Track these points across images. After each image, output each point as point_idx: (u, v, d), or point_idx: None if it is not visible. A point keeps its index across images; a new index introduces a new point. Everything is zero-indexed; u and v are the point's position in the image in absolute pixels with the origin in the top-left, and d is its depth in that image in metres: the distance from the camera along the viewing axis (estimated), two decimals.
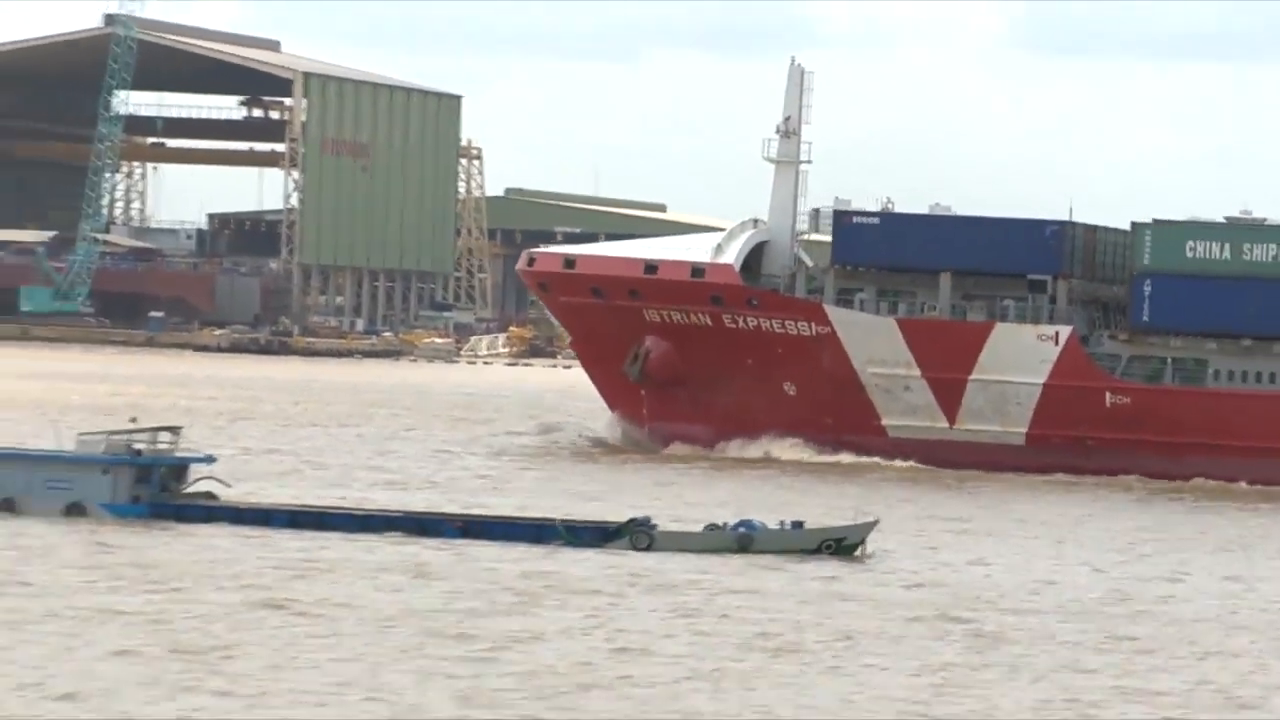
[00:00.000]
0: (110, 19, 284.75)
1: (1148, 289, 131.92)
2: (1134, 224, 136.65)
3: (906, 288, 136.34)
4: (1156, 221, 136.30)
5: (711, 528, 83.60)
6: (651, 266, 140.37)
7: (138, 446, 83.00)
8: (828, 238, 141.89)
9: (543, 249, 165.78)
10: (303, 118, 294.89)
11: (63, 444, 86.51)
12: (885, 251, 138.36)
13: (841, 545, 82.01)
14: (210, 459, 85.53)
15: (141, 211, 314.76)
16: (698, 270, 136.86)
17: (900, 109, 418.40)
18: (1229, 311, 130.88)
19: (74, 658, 53.15)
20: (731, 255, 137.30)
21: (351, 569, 72.40)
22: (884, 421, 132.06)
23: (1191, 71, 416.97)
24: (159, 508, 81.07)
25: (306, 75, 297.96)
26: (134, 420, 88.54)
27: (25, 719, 47.31)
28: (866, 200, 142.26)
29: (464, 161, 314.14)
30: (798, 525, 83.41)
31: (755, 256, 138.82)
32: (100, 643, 55.40)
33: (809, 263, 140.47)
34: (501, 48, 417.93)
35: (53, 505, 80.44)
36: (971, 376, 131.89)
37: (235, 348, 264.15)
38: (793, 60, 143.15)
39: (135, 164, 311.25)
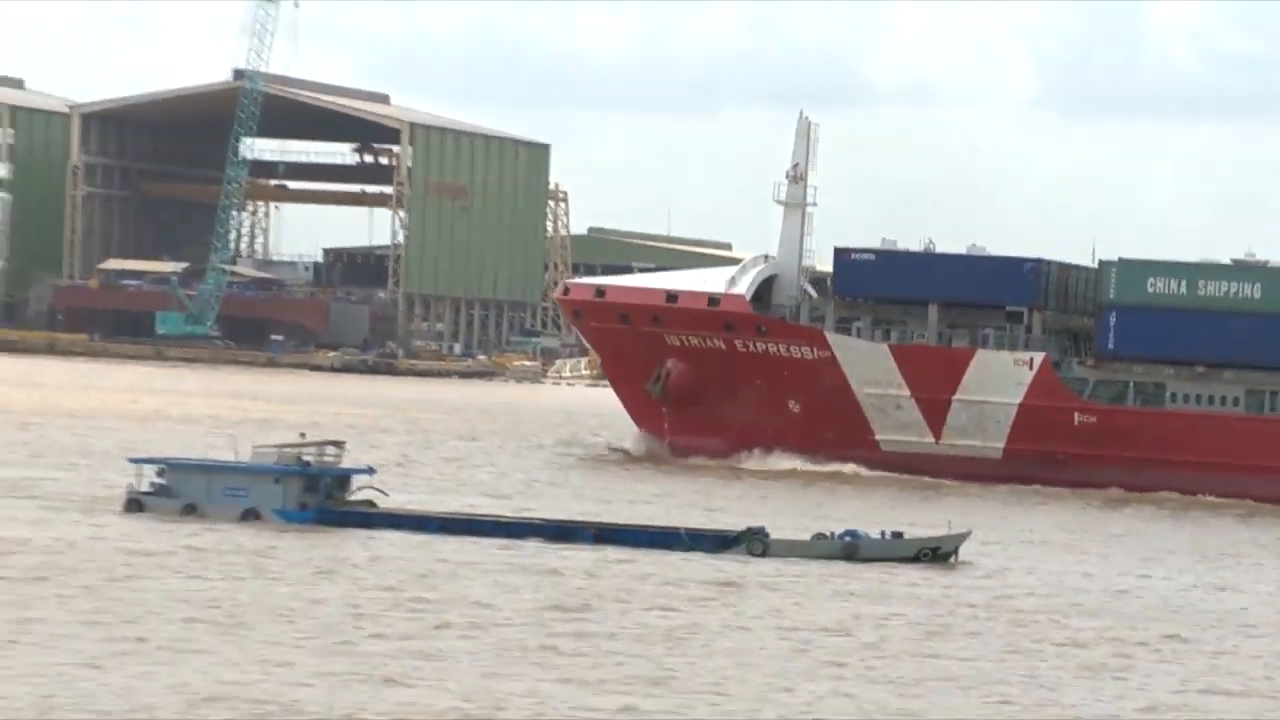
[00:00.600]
0: (239, 74, 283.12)
1: (1112, 320, 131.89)
2: (1101, 262, 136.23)
3: (898, 317, 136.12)
4: (1121, 260, 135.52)
5: (819, 537, 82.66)
6: (672, 296, 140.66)
7: (306, 458, 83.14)
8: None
9: (576, 280, 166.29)
10: (409, 163, 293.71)
11: (239, 455, 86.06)
12: (880, 284, 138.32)
13: (937, 553, 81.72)
14: (370, 470, 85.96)
15: (264, 246, 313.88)
16: (713, 300, 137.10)
17: (942, 159, 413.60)
18: (1185, 341, 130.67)
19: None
20: (743, 287, 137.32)
21: (531, 571, 72.16)
22: (877, 436, 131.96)
23: (1198, 129, 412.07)
24: (325, 514, 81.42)
25: (412, 125, 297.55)
26: (303, 435, 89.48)
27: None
28: (911, 240, 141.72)
29: (551, 203, 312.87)
30: (898, 535, 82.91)
31: (766, 288, 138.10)
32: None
33: (813, 294, 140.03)
34: (587, 102, 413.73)
35: (230, 511, 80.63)
36: (955, 397, 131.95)
37: (346, 368, 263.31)
38: (801, 114, 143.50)
39: (259, 203, 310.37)
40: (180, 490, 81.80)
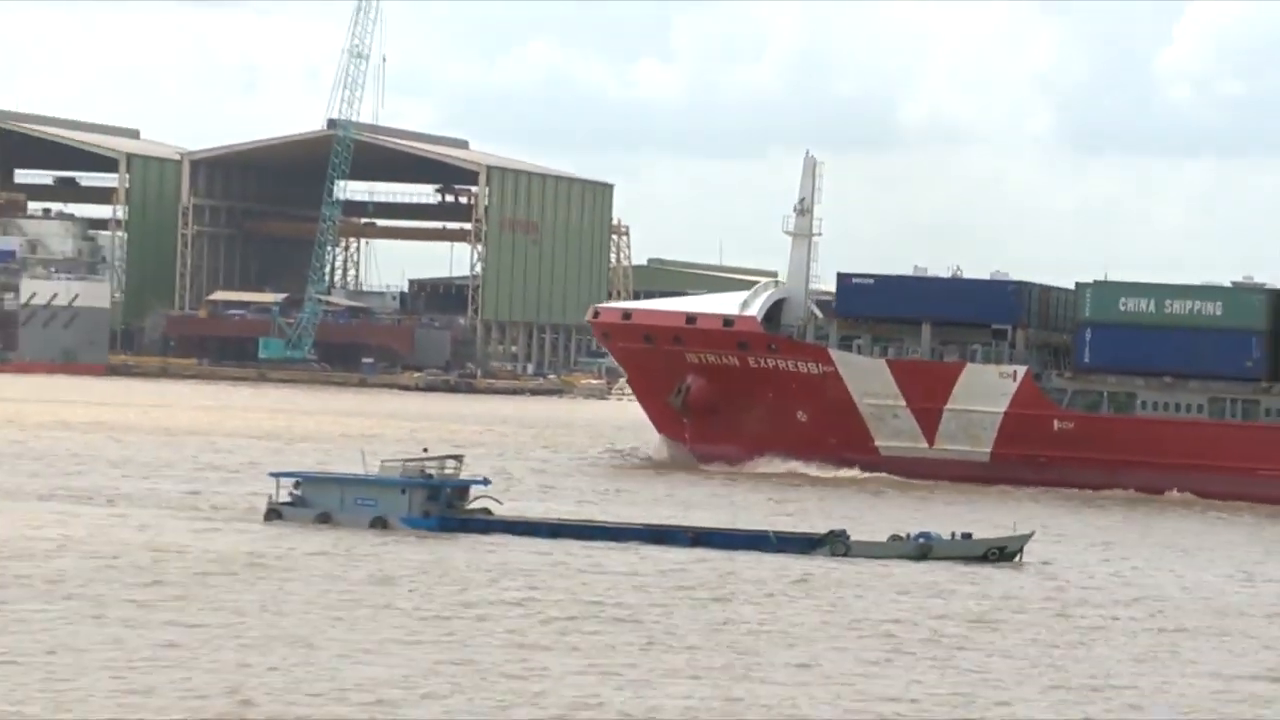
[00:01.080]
0: (332, 123, 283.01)
1: (1088, 336, 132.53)
2: (1078, 284, 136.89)
3: (895, 335, 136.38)
4: (1096, 282, 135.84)
5: (895, 538, 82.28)
6: (691, 318, 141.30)
7: (429, 471, 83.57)
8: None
9: (605, 304, 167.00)
10: (485, 202, 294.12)
11: (367, 469, 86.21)
12: (877, 306, 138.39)
13: (1004, 553, 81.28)
14: (486, 481, 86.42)
15: (355, 278, 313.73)
16: (728, 321, 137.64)
17: (966, 193, 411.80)
18: (1153, 354, 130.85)
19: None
20: (755, 309, 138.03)
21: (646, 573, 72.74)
22: (877, 443, 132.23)
23: (1199, 164, 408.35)
24: (447, 521, 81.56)
25: (489, 168, 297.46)
26: (425, 450, 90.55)
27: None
28: (938, 268, 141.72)
29: (615, 237, 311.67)
30: (967, 536, 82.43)
31: (776, 309, 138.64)
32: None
33: (819, 315, 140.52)
34: (646, 146, 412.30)
35: (361, 519, 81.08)
36: (947, 406, 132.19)
37: (430, 387, 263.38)
38: (807, 153, 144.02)
39: (351, 239, 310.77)
40: (315, 501, 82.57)
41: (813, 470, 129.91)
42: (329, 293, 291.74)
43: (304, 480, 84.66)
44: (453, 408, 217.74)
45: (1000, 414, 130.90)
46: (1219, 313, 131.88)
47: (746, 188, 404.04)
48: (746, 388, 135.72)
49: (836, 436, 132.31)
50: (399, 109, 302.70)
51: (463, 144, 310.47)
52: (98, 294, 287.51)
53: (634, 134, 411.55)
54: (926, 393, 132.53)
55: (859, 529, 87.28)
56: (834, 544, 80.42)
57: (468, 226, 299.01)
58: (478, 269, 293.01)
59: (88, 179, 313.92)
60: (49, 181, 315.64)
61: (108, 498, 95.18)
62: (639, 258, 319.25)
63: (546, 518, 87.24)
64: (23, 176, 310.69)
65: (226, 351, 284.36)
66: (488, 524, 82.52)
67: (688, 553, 79.15)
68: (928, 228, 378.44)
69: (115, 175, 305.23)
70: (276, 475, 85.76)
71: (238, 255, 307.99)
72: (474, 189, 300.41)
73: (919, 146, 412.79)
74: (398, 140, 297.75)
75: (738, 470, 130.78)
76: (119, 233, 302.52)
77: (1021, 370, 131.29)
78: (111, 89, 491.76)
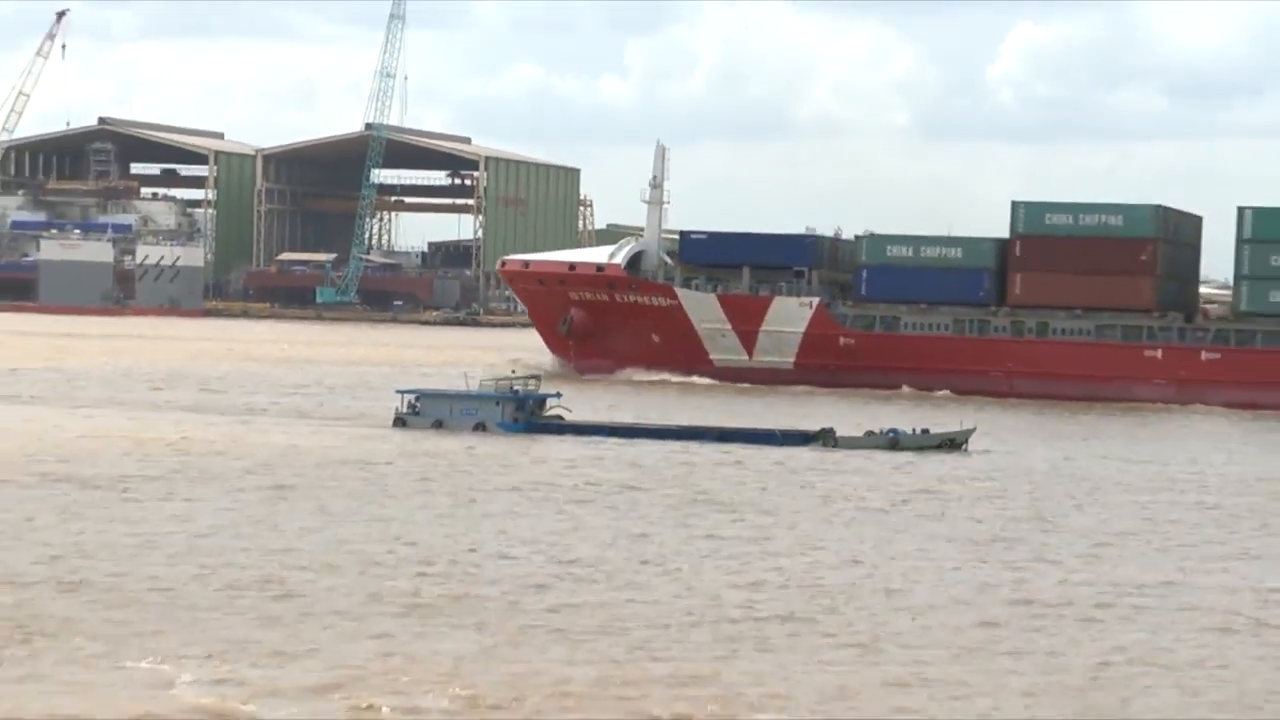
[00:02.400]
0: (368, 126, 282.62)
1: (864, 275, 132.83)
2: (856, 236, 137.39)
3: (723, 276, 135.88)
4: (870, 234, 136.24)
5: (869, 433, 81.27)
6: (573, 266, 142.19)
7: (516, 387, 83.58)
8: None
9: (510, 256, 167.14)
10: (484, 184, 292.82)
11: (468, 386, 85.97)
12: (711, 255, 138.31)
13: (954, 444, 79.95)
14: (559, 395, 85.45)
15: (387, 241, 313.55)
16: (600, 268, 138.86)
17: (844, 172, 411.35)
18: (912, 287, 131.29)
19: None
20: (620, 258, 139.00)
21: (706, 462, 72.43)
22: (711, 356, 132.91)
23: (1019, 148, 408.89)
24: (530, 425, 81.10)
25: (486, 158, 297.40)
26: (513, 370, 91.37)
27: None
28: (825, 228, 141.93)
29: (582, 208, 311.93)
30: (925, 431, 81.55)
31: (637, 259, 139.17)
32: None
33: (669, 262, 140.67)
34: (605, 139, 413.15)
35: (465, 425, 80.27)
36: (761, 329, 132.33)
37: (445, 322, 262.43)
38: (658, 142, 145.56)
39: (383, 213, 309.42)
40: (430, 411, 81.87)
41: (664, 376, 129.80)
42: (368, 253, 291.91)
43: (422, 395, 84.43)
44: (462, 338, 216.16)
45: (800, 333, 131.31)
46: (960, 256, 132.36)
47: (681, 169, 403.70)
48: (614, 318, 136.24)
49: (682, 353, 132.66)
50: (418, 114, 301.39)
51: (466, 140, 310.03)
52: (194, 256, 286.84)
53: (597, 131, 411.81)
54: (746, 319, 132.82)
55: (745, 422, 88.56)
56: (825, 438, 79.39)
57: (471, 202, 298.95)
58: (479, 234, 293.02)
59: (186, 170, 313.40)
60: (157, 172, 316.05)
61: (267, 410, 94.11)
62: (600, 224, 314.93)
63: (604, 422, 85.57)
64: (137, 169, 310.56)
65: (292, 298, 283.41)
66: (561, 427, 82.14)
67: (714, 446, 78.41)
68: (817, 197, 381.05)
69: (206, 167, 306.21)
70: (402, 392, 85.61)
71: (299, 226, 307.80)
72: (475, 174, 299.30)
73: (810, 136, 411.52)
74: (417, 138, 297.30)
75: (610, 378, 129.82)
76: (210, 210, 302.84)
77: (816, 301, 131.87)
78: (203, 101, 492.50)
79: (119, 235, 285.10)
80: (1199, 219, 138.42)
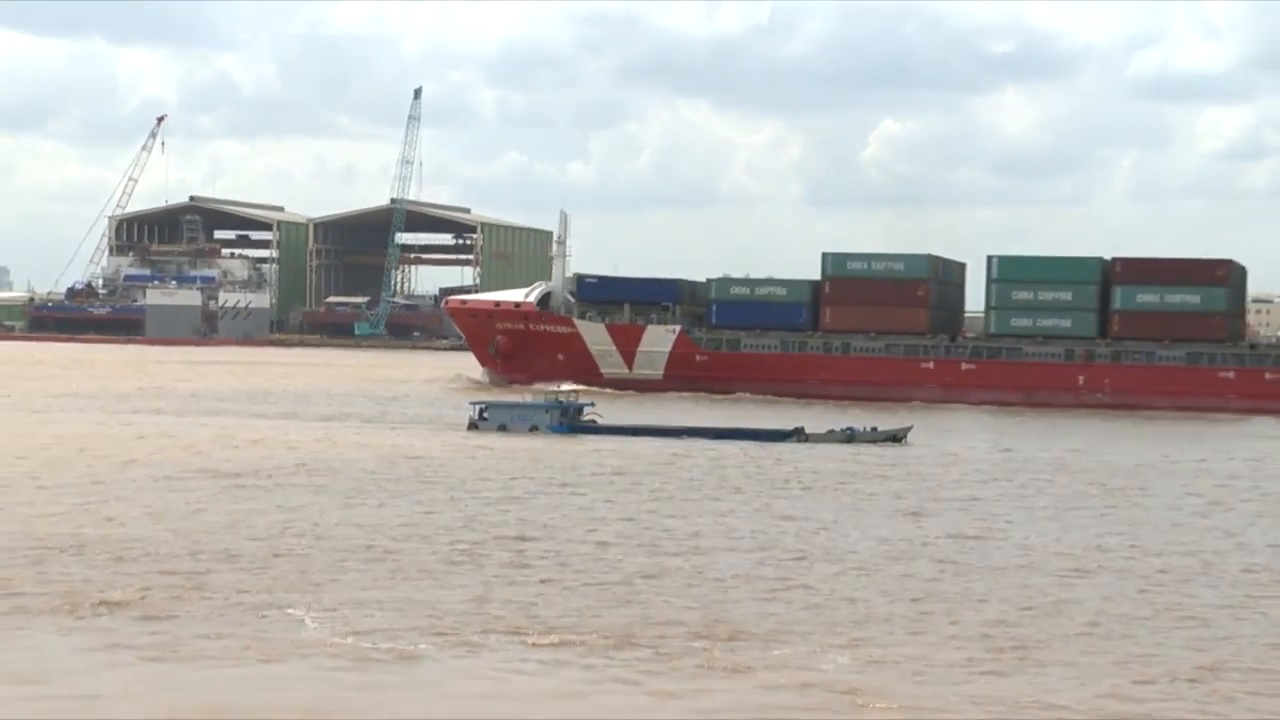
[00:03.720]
0: (393, 200, 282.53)
1: (714, 308, 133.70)
2: (708, 279, 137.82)
3: (610, 310, 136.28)
4: (719, 278, 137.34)
5: (830, 431, 79.39)
6: (498, 303, 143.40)
7: (560, 399, 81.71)
8: None
9: (454, 296, 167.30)
10: (481, 243, 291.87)
11: (524, 399, 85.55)
12: (601, 293, 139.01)
13: (896, 438, 78.42)
14: (593, 404, 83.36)
15: (407, 288, 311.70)
16: (518, 304, 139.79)
17: (756, 233, 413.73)
18: (749, 317, 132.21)
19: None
20: (533, 297, 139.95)
21: (694, 455, 70.18)
22: (602, 371, 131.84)
23: (882, 214, 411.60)
24: (572, 428, 79.11)
25: (482, 224, 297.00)
26: (558, 388, 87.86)
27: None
28: (739, 273, 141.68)
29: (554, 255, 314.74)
30: (874, 429, 79.94)
31: (547, 298, 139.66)
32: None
33: (571, 300, 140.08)
34: (574, 209, 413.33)
35: (523, 427, 78.51)
36: (639, 349, 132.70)
37: (452, 348, 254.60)
38: (561, 211, 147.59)
39: (405, 266, 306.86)
40: (495, 418, 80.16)
41: (567, 387, 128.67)
42: (393, 296, 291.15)
43: (489, 405, 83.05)
44: (461, 361, 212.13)
45: (667, 353, 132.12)
46: (785, 293, 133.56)
47: (633, 231, 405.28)
48: (529, 342, 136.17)
49: (580, 368, 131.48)
50: (431, 191, 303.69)
51: (466, 210, 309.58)
52: (261, 300, 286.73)
53: (566, 202, 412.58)
54: (627, 342, 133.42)
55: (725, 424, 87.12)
56: (798, 435, 77.86)
57: (471, 257, 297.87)
58: (477, 281, 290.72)
59: (256, 235, 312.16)
60: (233, 238, 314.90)
61: (366, 419, 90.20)
62: (569, 272, 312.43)
63: (629, 424, 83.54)
64: (219, 235, 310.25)
65: (336, 331, 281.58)
66: (595, 429, 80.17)
67: (717, 441, 77.04)
68: (736, 251, 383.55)
69: (271, 233, 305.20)
70: (474, 403, 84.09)
71: (341, 276, 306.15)
72: (474, 236, 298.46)
73: (728, 204, 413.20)
74: (430, 209, 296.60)
75: (528, 388, 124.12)
76: (273, 265, 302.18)
77: (678, 328, 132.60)
78: (269, 183, 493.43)
79: (205, 285, 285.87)
80: (963, 264, 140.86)
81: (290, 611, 31.42)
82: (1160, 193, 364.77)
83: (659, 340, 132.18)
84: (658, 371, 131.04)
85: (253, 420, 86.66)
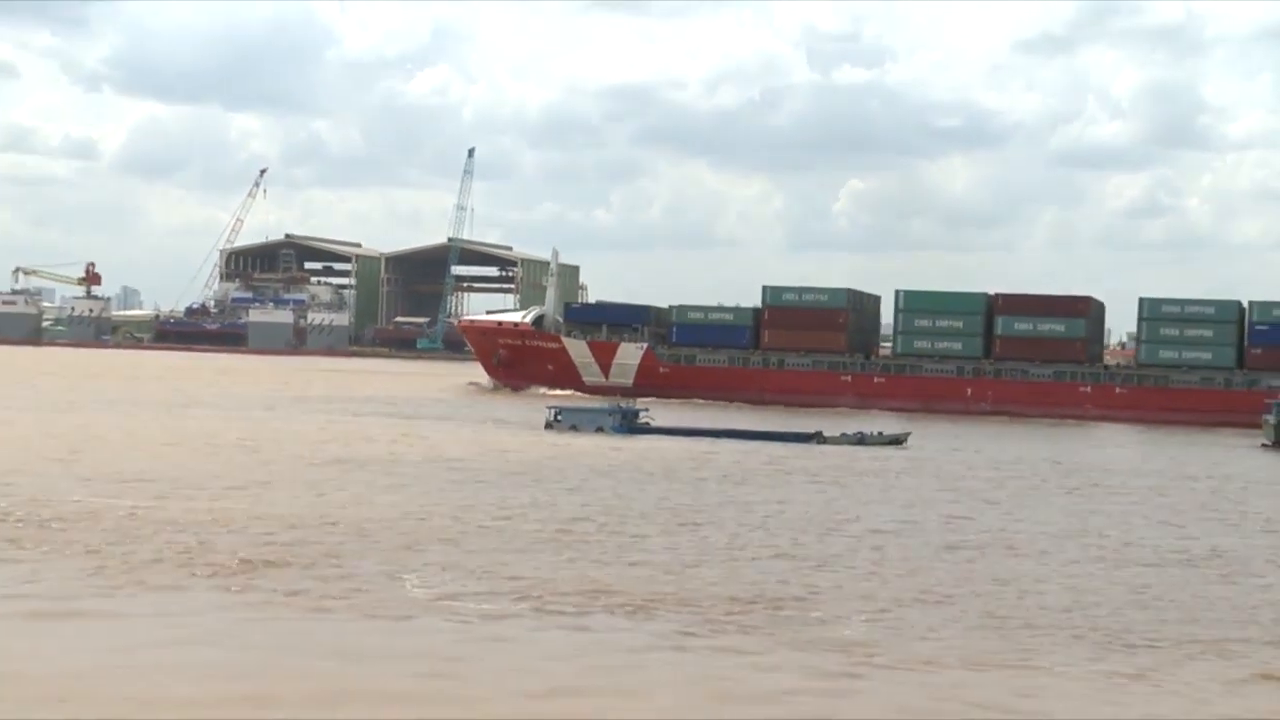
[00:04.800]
0: (450, 239, 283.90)
1: (675, 329, 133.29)
2: (670, 305, 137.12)
3: (590, 330, 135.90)
4: (678, 305, 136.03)
5: (844, 435, 75.62)
6: (500, 323, 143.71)
7: (621, 405, 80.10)
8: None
9: (466, 317, 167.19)
10: (520, 275, 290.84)
11: (593, 407, 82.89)
12: (583, 317, 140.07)
13: (898, 442, 74.87)
14: (647, 410, 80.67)
15: (461, 311, 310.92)
16: (516, 325, 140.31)
17: (745, 270, 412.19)
18: (703, 337, 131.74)
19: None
20: (529, 319, 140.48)
21: (725, 453, 66.03)
22: (584, 379, 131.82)
23: (854, 258, 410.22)
24: (631, 429, 76.21)
25: (522, 259, 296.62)
26: (618, 400, 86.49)
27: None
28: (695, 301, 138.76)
29: (580, 290, 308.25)
30: (881, 433, 76.39)
31: (540, 319, 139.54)
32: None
33: (560, 321, 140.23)
34: (595, 249, 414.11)
35: (590, 428, 75.68)
36: (613, 362, 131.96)
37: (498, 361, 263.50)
38: (553, 248, 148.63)
39: (459, 293, 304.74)
40: (568, 419, 77.55)
41: (556, 392, 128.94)
42: (449, 317, 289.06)
43: (562, 409, 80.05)
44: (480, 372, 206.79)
45: (636, 365, 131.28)
46: (732, 318, 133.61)
47: (646, 266, 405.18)
48: (525, 355, 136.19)
49: (565, 377, 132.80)
50: (480, 232, 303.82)
51: (509, 249, 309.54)
52: (342, 319, 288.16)
53: (591, 243, 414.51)
54: (603, 356, 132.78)
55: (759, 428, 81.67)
56: (818, 438, 74.58)
57: (513, 287, 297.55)
58: (517, 306, 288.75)
59: (339, 266, 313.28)
60: (320, 268, 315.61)
61: (447, 418, 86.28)
62: (591, 299, 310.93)
63: (678, 426, 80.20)
64: (309, 266, 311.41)
65: (402, 345, 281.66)
66: (650, 429, 77.18)
67: (749, 442, 73.78)
68: (727, 284, 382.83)
69: (351, 265, 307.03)
70: (551, 407, 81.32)
71: (406, 300, 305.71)
72: (516, 270, 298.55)
73: (723, 247, 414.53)
74: (480, 247, 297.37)
75: (526, 392, 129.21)
76: (352, 291, 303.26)
77: (645, 345, 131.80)
78: (350, 224, 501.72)
79: (296, 306, 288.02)
80: (878, 297, 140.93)
81: (408, 578, 29.74)
82: (1074, 243, 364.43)
83: (630, 355, 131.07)
84: (629, 380, 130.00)
85: (397, 420, 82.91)
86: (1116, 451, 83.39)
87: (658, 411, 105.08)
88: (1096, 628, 27.11)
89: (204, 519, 36.72)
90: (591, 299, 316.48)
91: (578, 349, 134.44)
